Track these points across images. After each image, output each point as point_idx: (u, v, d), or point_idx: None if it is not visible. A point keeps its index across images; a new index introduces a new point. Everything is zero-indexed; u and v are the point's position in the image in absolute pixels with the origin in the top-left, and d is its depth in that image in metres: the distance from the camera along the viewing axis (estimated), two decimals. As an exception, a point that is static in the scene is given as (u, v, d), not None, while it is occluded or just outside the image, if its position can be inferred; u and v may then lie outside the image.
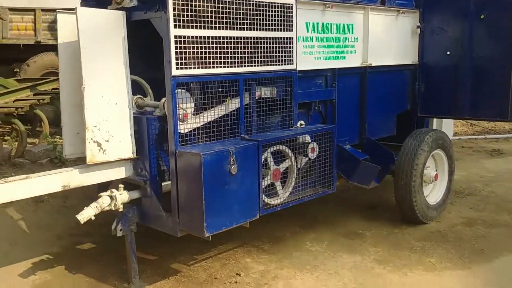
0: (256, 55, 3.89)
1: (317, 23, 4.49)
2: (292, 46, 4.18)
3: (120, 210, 3.71)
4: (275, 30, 4.01)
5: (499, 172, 7.14)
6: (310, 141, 4.25)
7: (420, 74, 5.65)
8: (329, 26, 4.61)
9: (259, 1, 3.86)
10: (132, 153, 3.64)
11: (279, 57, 4.09)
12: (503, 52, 5.05)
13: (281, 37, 4.08)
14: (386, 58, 5.27)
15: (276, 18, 4.02)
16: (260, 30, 3.89)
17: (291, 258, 4.40)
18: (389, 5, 5.18)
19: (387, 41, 5.25)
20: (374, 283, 3.91)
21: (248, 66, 3.83)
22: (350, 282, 3.93)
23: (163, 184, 3.85)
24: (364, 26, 4.96)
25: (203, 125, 3.73)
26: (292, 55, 4.19)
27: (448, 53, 5.43)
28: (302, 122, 4.51)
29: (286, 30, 4.12)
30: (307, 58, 4.43)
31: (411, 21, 5.55)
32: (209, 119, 3.75)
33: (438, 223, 5.15)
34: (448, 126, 6.36)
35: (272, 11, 3.97)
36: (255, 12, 3.84)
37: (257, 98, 4.09)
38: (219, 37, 3.60)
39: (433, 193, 5.35)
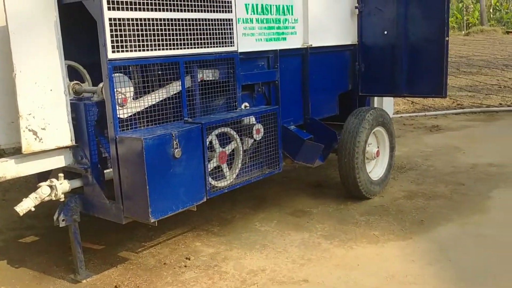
0: (196, 37, 3.85)
1: (257, 4, 4.49)
2: (232, 28, 4.17)
3: (61, 200, 3.61)
4: (214, 12, 3.99)
5: (437, 146, 7.48)
6: (255, 122, 4.28)
7: (360, 54, 5.79)
8: (269, 7, 4.63)
9: (197, -18, 3.81)
10: (71, 140, 3.54)
11: (219, 39, 4.07)
12: (436, 30, 5.26)
13: (220, 19, 4.06)
14: (327, 38, 5.36)
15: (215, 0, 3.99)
16: (199, 11, 3.85)
17: (240, 239, 4.44)
18: (328, -13, 5.26)
19: (327, 22, 5.34)
20: (321, 257, 4.02)
21: (188, 48, 3.79)
22: (298, 258, 4.02)
23: (105, 171, 3.77)
24: (303, 7, 5.01)
25: (144, 109, 3.67)
26: (233, 36, 4.18)
27: (385, 32, 5.59)
28: (247, 104, 4.55)
29: (226, 12, 4.10)
30: (248, 40, 4.44)
31: (350, 2, 5.66)
32: (151, 103, 3.70)
33: (381, 198, 5.35)
34: (388, 104, 6.58)
35: (210, -7, 3.94)
36: (193, -7, 3.79)
37: (199, 80, 4.07)
38: (157, 19, 3.53)
39: (376, 169, 5.53)
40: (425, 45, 5.36)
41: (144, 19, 3.45)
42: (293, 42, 4.97)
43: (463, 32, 33.42)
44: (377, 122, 5.33)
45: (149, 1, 3.46)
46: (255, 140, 4.28)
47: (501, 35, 30.19)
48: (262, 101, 4.78)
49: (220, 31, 4.06)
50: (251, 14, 4.45)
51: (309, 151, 4.87)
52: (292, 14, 4.91)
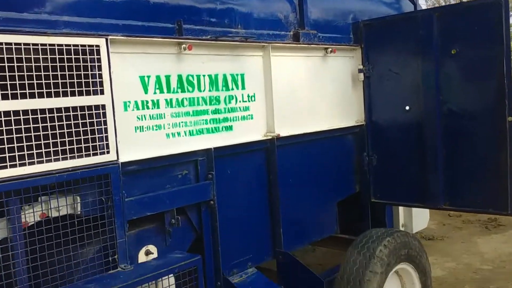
0: (14, 144, 1.98)
1: (168, 76, 2.61)
2: (105, 121, 2.28)
3: None
4: (61, 95, 2.13)
5: (499, 260, 5.16)
6: (154, 289, 2.30)
7: (369, 141, 3.77)
8: (194, 79, 2.73)
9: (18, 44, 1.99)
10: None
11: (74, 143, 2.18)
12: (491, 105, 3.19)
13: (76, 107, 2.19)
14: (309, 121, 3.37)
15: (63, 74, 2.14)
16: (22, 97, 2.00)
17: None
18: (308, 41, 3.32)
19: (308, 96, 3.37)
20: None
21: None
22: None
23: None
24: (265, 75, 3.08)
25: None
26: (106, 136, 2.29)
27: (408, 108, 3.57)
28: (151, 248, 2.59)
29: (89, 93, 2.23)
30: (148, 138, 2.53)
31: (350, 63, 3.71)
32: None
33: None
34: (421, 214, 4.38)
35: (52, 62, 2.10)
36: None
37: (38, 219, 2.16)
38: None
39: (399, 333, 3.35)
40: (473, 129, 3.28)
41: None
42: (247, 132, 3.01)
43: None
44: (397, 257, 3.20)
45: None
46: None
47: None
48: (186, 235, 2.79)
49: (77, 129, 2.18)
50: (155, 92, 2.56)
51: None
52: (243, 88, 2.98)
